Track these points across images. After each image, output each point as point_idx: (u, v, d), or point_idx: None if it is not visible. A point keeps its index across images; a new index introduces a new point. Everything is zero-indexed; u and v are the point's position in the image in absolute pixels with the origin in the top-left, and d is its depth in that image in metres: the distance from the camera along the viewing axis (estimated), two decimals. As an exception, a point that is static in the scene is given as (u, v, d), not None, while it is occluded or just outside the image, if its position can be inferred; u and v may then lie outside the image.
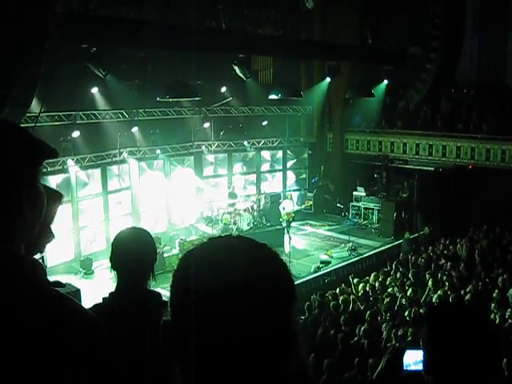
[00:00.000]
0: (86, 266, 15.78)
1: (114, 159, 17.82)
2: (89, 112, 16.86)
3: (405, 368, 2.28)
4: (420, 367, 2.15)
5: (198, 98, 17.30)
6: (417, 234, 18.86)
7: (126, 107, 17.65)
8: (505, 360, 6.61)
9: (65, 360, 1.25)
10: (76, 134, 16.44)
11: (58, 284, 1.41)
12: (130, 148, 18.26)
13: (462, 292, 12.21)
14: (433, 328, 1.95)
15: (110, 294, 2.77)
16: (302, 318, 11.29)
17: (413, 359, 2.26)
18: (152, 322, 2.43)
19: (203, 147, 20.65)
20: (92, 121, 16.98)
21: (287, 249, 17.40)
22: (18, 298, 1.26)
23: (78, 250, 16.42)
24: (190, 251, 1.12)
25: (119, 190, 17.91)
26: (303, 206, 21.40)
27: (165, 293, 2.97)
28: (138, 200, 18.27)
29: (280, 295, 1.06)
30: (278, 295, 1.05)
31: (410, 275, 13.73)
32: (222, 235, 1.16)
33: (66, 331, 1.27)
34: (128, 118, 17.84)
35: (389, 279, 14.13)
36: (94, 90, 16.83)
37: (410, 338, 9.05)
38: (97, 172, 17.21)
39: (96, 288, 13.51)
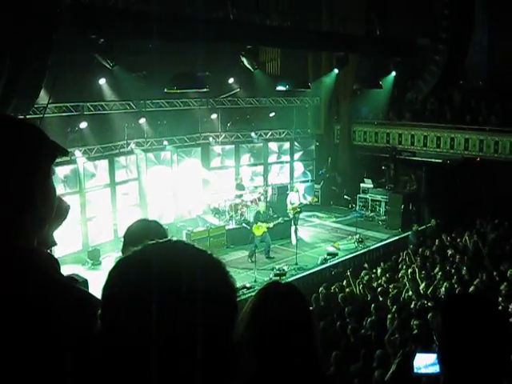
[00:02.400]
0: (93, 257, 15.85)
1: (121, 150, 17.85)
2: (96, 103, 16.89)
3: (415, 371, 2.28)
4: (430, 370, 2.15)
5: (205, 90, 17.28)
6: (424, 227, 18.82)
7: (133, 98, 17.66)
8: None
9: (82, 354, 1.26)
10: (84, 124, 16.50)
11: (73, 279, 1.43)
12: (137, 139, 18.29)
13: (469, 285, 12.20)
14: (446, 319, 1.94)
15: None
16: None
17: (423, 362, 2.26)
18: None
19: (210, 138, 20.65)
20: (99, 112, 17.01)
21: (294, 240, 17.43)
22: (37, 294, 1.27)
23: (85, 241, 16.48)
24: (123, 259, 1.06)
25: (126, 181, 17.93)
26: (309, 202, 21.39)
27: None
28: (145, 191, 18.30)
29: (218, 307, 1.00)
30: (216, 307, 0.99)
31: (416, 267, 13.72)
32: (160, 241, 1.09)
33: (85, 326, 1.28)
34: (135, 109, 17.85)
35: (398, 272, 14.14)
36: (102, 81, 16.87)
37: (416, 331, 9.06)
38: (104, 163, 17.23)
39: (103, 279, 13.53)
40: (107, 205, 17.24)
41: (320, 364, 2.03)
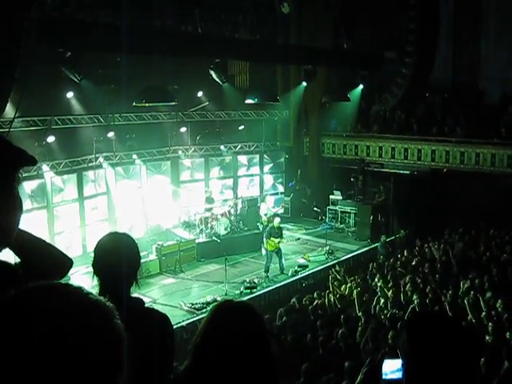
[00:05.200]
0: (61, 273, 15.60)
1: (89, 164, 17.68)
2: (64, 117, 16.72)
3: (383, 377, 2.29)
4: (398, 375, 2.16)
5: (174, 103, 17.24)
6: (393, 237, 19.00)
7: (101, 112, 17.53)
8: (482, 359, 6.71)
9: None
10: (51, 139, 16.29)
11: None
12: (105, 153, 18.13)
13: (439, 294, 12.33)
14: (412, 337, 1.96)
15: None
16: (280, 322, 11.31)
17: (391, 368, 2.27)
18: (135, 329, 2.40)
19: (180, 152, 20.60)
20: (67, 126, 16.83)
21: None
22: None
23: (53, 257, 16.22)
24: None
25: (95, 195, 17.76)
26: (279, 210, 21.42)
27: (143, 298, 2.95)
28: (114, 205, 18.14)
29: (96, 360, 0.95)
30: (93, 359, 0.94)
31: (387, 278, 13.83)
32: (43, 285, 1.02)
33: None
34: (104, 122, 17.71)
35: (368, 283, 14.23)
36: (70, 95, 16.72)
37: (390, 341, 9.11)
38: (72, 177, 17.04)
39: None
40: (75, 220, 17.04)
41: (276, 379, 2.01)
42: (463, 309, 11.11)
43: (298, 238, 18.70)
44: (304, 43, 21.58)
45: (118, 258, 2.64)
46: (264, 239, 16.57)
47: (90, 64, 16.10)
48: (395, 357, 2.21)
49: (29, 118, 15.66)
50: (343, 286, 13.98)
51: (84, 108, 17.19)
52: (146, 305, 2.91)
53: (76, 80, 15.34)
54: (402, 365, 2.00)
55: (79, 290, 1.00)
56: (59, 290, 1.00)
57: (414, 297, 11.99)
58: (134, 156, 18.89)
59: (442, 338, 1.90)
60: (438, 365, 1.87)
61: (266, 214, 18.50)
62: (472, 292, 12.06)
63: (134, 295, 2.79)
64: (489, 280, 13.01)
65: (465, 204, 17.97)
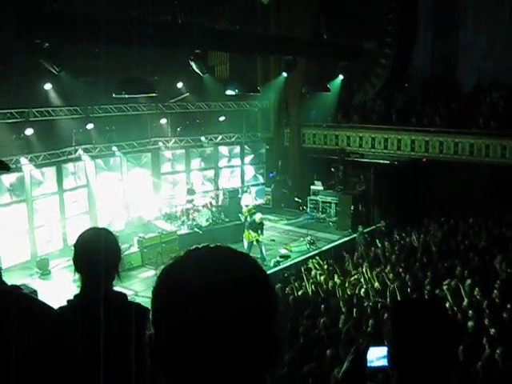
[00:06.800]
0: (42, 267, 15.49)
1: (69, 157, 17.54)
2: (42, 109, 16.55)
3: (368, 365, 2.31)
4: (383, 363, 2.19)
5: (154, 94, 17.14)
6: (374, 227, 19.12)
7: (80, 104, 17.38)
8: (462, 346, 6.82)
9: (23, 356, 1.24)
10: (29, 131, 16.12)
11: (17, 287, 1.40)
12: (85, 145, 17.99)
13: (420, 282, 12.45)
14: (396, 323, 1.99)
15: (75, 296, 2.73)
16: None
17: (376, 355, 2.29)
18: (118, 323, 2.41)
19: (160, 143, 20.52)
20: (46, 118, 16.68)
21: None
22: None
23: (33, 251, 16.10)
24: (169, 266, 1.11)
25: (75, 188, 17.63)
26: (263, 201, 21.47)
27: (125, 291, 2.95)
28: (94, 198, 18.03)
29: (262, 305, 1.07)
30: (260, 305, 1.06)
31: (367, 267, 13.91)
32: (200, 246, 1.16)
33: (28, 329, 1.26)
34: (83, 114, 17.57)
35: (349, 272, 14.31)
36: (48, 87, 16.55)
37: (369, 329, 9.19)
38: (52, 170, 16.90)
39: (54, 288, 13.31)
40: (56, 213, 16.91)
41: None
42: (443, 296, 11.23)
43: (273, 240, 18.80)
44: (284, 33, 21.55)
45: (98, 254, 2.65)
46: (245, 229, 16.69)
47: (68, 55, 15.93)
48: (380, 344, 2.24)
49: (6, 111, 15.49)
50: (324, 276, 14.05)
51: (63, 100, 17.03)
52: (128, 298, 2.92)
53: (54, 71, 15.17)
54: (388, 352, 2.03)
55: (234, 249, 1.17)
56: (223, 249, 1.18)
57: (395, 285, 12.09)
58: (114, 148, 18.78)
59: (425, 324, 1.93)
60: (422, 351, 1.90)
61: (247, 206, 18.51)
62: (452, 279, 12.19)
63: (116, 289, 2.79)
64: (468, 268, 13.16)
65: (444, 193, 18.14)
